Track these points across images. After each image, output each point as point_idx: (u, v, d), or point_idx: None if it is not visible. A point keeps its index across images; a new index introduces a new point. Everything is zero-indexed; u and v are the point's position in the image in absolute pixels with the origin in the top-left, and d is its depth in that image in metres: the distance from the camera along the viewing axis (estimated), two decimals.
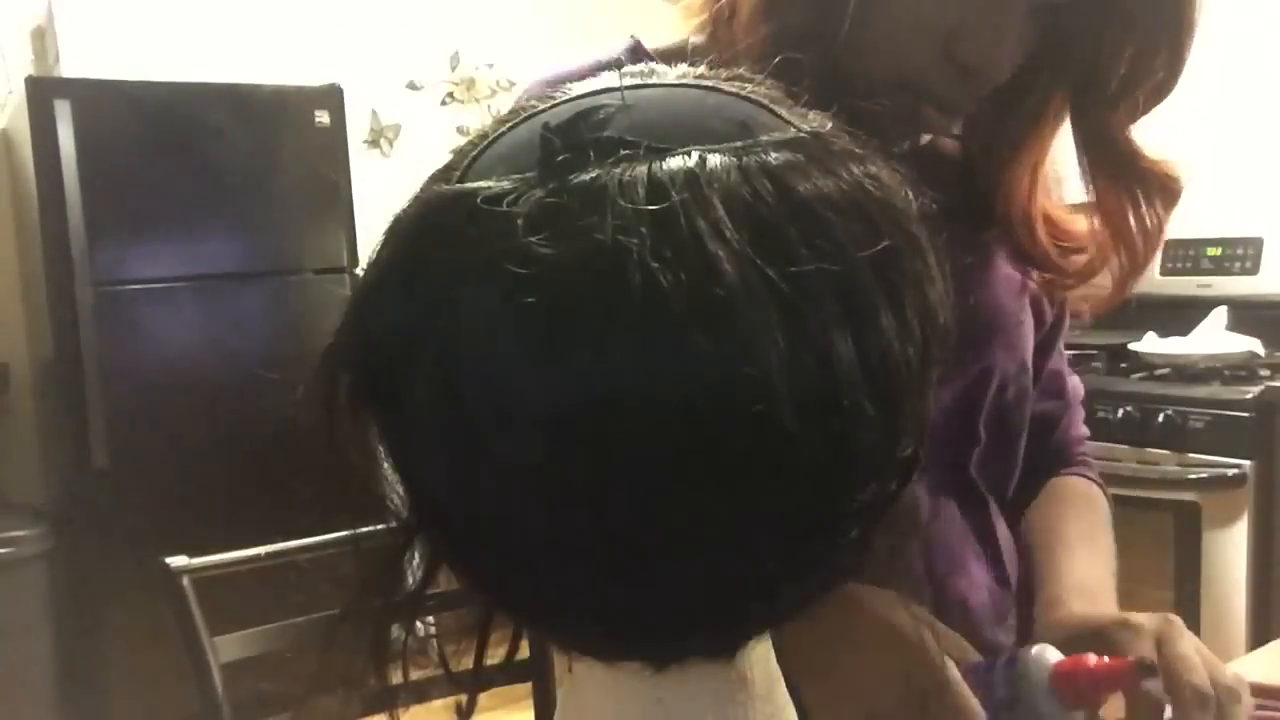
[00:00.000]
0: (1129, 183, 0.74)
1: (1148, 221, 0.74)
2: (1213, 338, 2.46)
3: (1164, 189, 0.74)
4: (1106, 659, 0.60)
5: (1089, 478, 0.90)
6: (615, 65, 0.40)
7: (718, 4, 0.70)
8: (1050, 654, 0.61)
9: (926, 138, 0.82)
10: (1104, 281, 0.81)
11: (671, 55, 0.74)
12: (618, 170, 0.33)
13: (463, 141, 0.40)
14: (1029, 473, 0.87)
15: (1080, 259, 0.81)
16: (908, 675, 0.60)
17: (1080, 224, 0.80)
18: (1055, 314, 0.88)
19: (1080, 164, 0.75)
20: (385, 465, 0.38)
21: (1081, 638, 0.68)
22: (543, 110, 0.38)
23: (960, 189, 0.79)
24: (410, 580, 0.41)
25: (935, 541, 0.79)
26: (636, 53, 0.75)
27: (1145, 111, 0.72)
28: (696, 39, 0.74)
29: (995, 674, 0.62)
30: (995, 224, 0.80)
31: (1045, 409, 0.88)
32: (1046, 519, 0.85)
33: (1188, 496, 2.29)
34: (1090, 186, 0.75)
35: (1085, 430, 0.94)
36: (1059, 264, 0.81)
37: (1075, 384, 0.94)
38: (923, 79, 0.66)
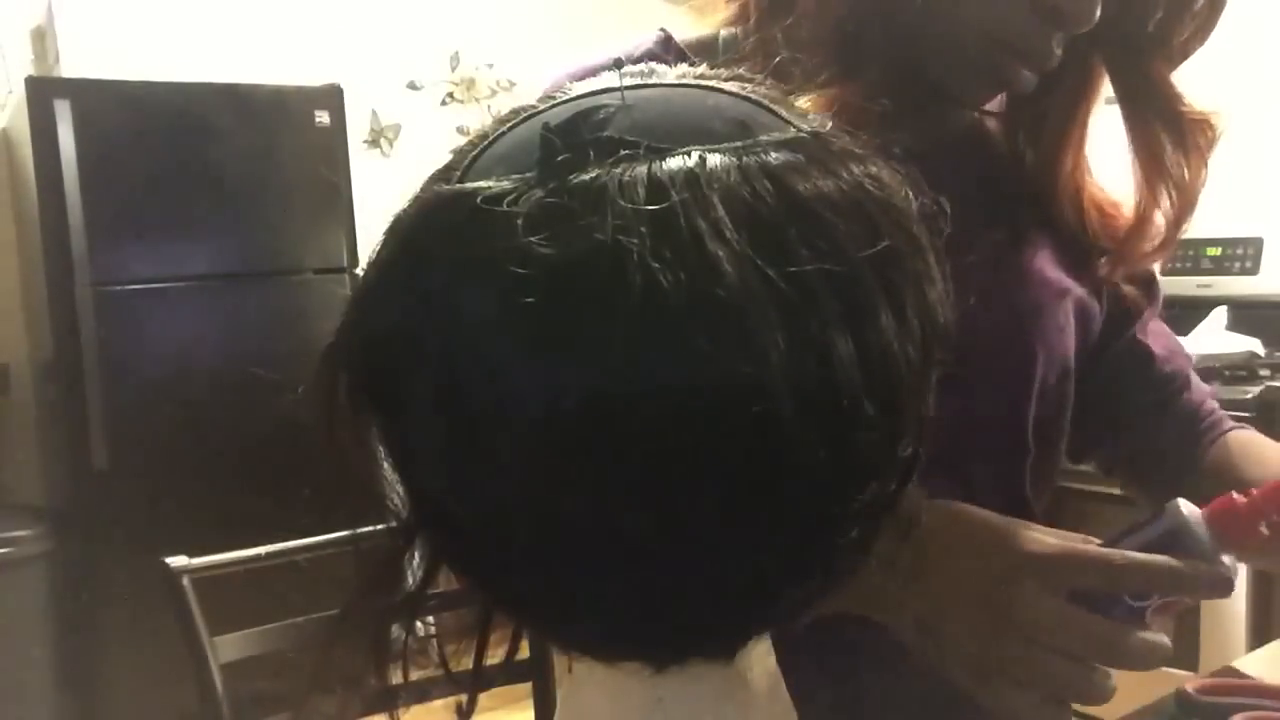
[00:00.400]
0: (1171, 127, 0.73)
1: (1191, 162, 0.74)
2: (1213, 338, 2.46)
3: (1204, 133, 0.74)
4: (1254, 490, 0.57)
5: (1242, 428, 0.87)
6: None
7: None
8: (1188, 505, 0.57)
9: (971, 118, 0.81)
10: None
11: (703, 48, 0.73)
12: (618, 170, 0.33)
13: (463, 141, 0.40)
14: (1177, 440, 0.84)
15: (1132, 235, 0.80)
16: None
17: (1125, 203, 0.80)
18: (1112, 308, 0.85)
19: (1123, 115, 0.75)
20: (385, 465, 0.38)
21: None
22: (543, 110, 0.38)
23: (1008, 170, 0.79)
24: (410, 580, 0.41)
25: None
26: (667, 45, 0.74)
27: (1187, 55, 0.72)
28: (727, 32, 0.73)
29: (1140, 535, 0.57)
30: (1041, 207, 0.79)
31: (1167, 370, 0.85)
32: (1250, 469, 0.80)
33: None
34: (1132, 134, 0.75)
35: (1206, 388, 0.91)
36: (1112, 241, 0.80)
37: (1177, 344, 0.91)
38: (1009, 31, 0.66)
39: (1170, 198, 0.75)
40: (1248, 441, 0.85)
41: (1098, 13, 0.65)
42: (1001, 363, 0.75)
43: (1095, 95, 0.77)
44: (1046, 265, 0.80)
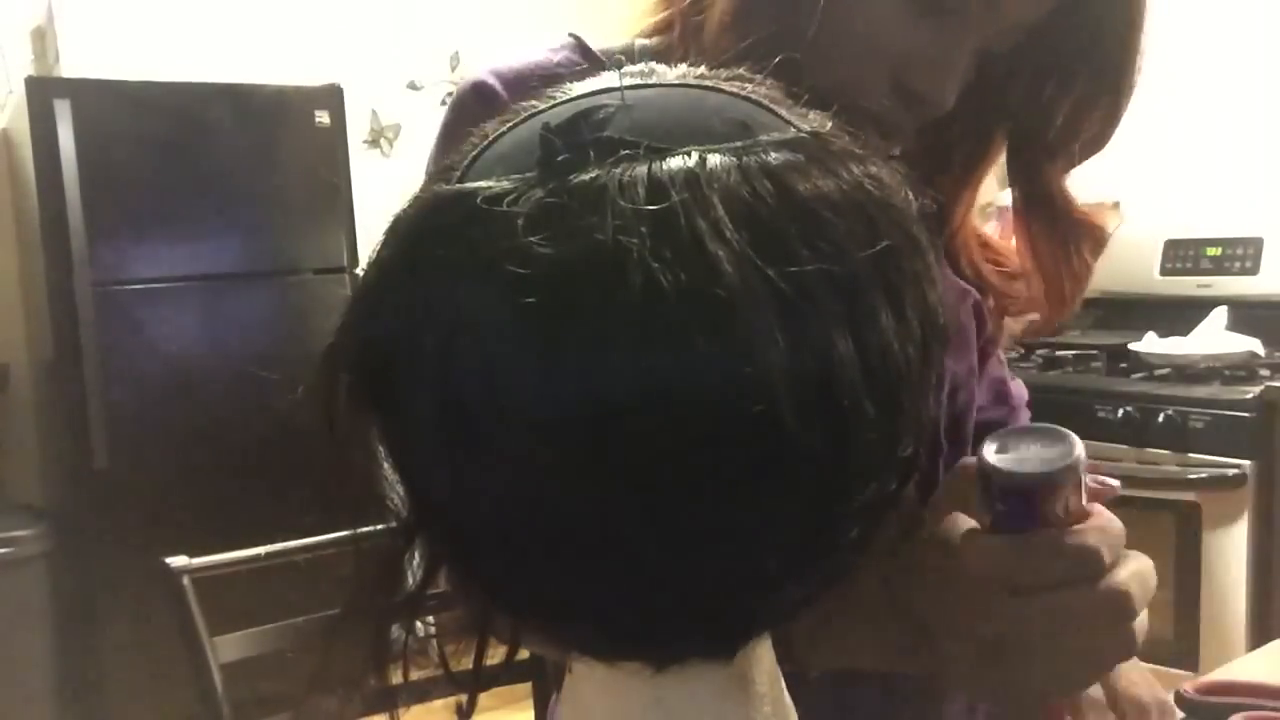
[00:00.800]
0: (1060, 229, 0.75)
1: (1075, 265, 0.76)
2: (1213, 338, 2.46)
3: (1093, 238, 0.76)
4: None
5: None
6: (617, 65, 0.40)
7: (681, 9, 0.70)
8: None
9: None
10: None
11: (617, 53, 0.73)
12: (618, 170, 0.33)
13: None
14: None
15: (1020, 285, 0.82)
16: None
17: (1009, 249, 0.82)
18: (994, 322, 0.88)
19: (1013, 204, 0.77)
20: (385, 465, 0.38)
21: None
22: (543, 110, 0.38)
23: None
24: (410, 580, 0.41)
25: None
26: (582, 53, 0.74)
27: (1079, 162, 0.73)
28: (644, 41, 0.74)
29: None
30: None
31: (992, 416, 0.87)
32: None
33: (1188, 496, 2.29)
34: (1022, 227, 0.77)
35: (1025, 395, 0.93)
36: (1000, 288, 0.82)
37: (1019, 388, 0.93)
38: (868, 101, 0.66)
39: (1048, 298, 0.78)
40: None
41: (952, 100, 0.67)
42: None
43: (992, 158, 0.79)
44: (944, 269, 0.81)
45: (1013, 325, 0.87)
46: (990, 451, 0.51)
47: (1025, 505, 0.50)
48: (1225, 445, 2.26)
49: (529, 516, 0.34)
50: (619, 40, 0.75)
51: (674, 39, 0.71)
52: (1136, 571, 0.52)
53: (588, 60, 0.73)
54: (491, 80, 0.71)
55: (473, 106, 0.70)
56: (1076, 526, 0.51)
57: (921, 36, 0.64)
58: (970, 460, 0.57)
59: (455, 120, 0.72)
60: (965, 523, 0.55)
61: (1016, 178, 0.76)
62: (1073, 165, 0.73)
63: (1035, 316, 0.80)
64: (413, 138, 3.49)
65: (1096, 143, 0.72)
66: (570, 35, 0.75)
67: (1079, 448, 0.51)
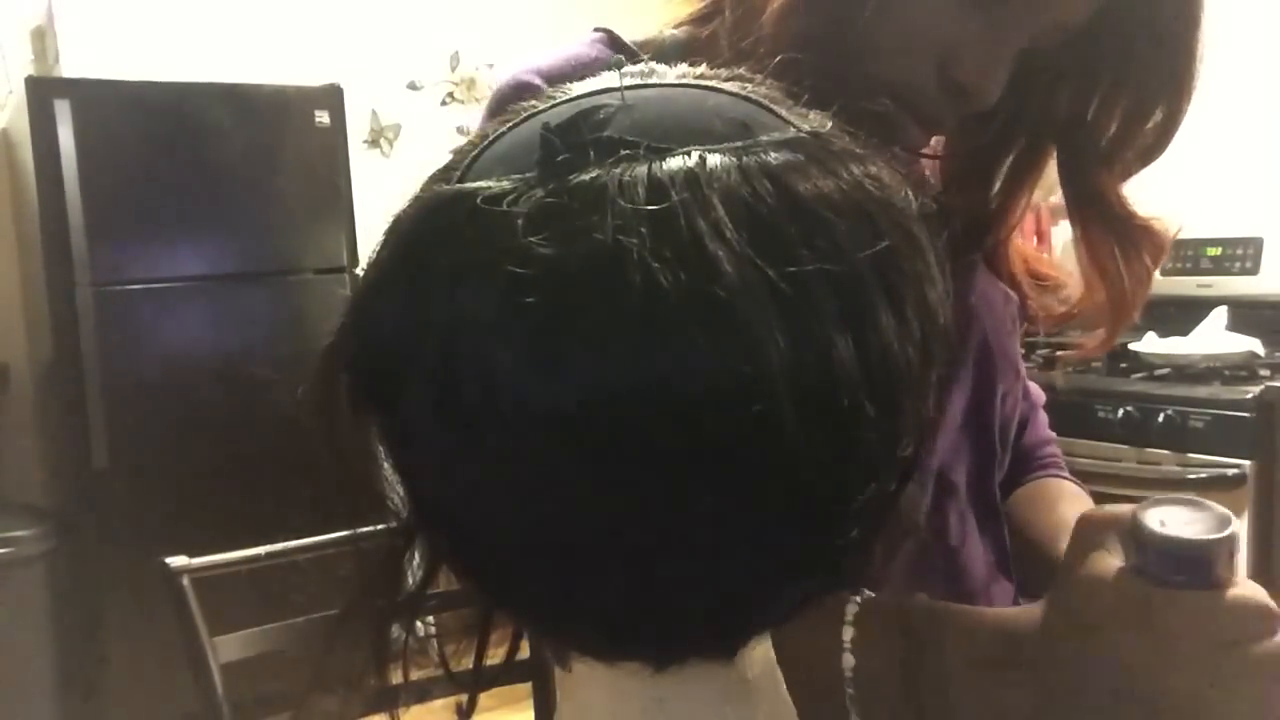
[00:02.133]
0: (1118, 235, 0.73)
1: (1136, 271, 0.73)
2: (1213, 338, 2.46)
3: (1152, 244, 0.74)
4: None
5: (1065, 478, 0.89)
6: (617, 65, 0.40)
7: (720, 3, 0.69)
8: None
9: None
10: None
11: (649, 49, 0.73)
12: (618, 170, 0.33)
13: (463, 141, 0.40)
14: (1004, 482, 0.85)
15: (1056, 298, 0.81)
16: None
17: (1054, 265, 0.81)
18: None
19: (1068, 209, 0.74)
20: (385, 465, 0.38)
21: None
22: (543, 110, 0.38)
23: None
24: (410, 580, 0.41)
25: (963, 568, 0.78)
26: (613, 44, 0.74)
27: (1135, 172, 0.71)
28: (674, 33, 0.73)
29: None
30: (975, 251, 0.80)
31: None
32: (1039, 515, 0.83)
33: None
34: (1078, 234, 0.74)
35: (1050, 433, 0.93)
36: (1036, 301, 0.82)
37: (1035, 387, 0.94)
38: (911, 91, 0.66)
39: (1110, 306, 0.75)
40: (1046, 488, 0.87)
41: (997, 95, 0.66)
42: (967, 366, 0.77)
43: (1039, 170, 0.77)
44: (987, 276, 0.81)
45: (1073, 352, 0.86)
46: (1152, 523, 0.54)
47: (1204, 571, 0.53)
48: (1225, 445, 2.26)
49: (529, 516, 0.34)
50: (644, 32, 0.74)
51: (711, 30, 0.70)
52: None
53: (622, 53, 0.72)
54: (535, 79, 0.70)
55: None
56: (1248, 585, 0.53)
57: (970, 29, 0.64)
58: (1095, 513, 0.58)
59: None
60: (1141, 587, 0.54)
61: (1068, 183, 0.74)
62: (1128, 175, 0.71)
63: (1100, 332, 0.78)
64: (413, 138, 3.49)
65: (1152, 152, 0.70)
66: (599, 30, 0.75)
67: (1229, 513, 0.54)
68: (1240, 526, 0.58)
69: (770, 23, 0.65)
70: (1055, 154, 0.75)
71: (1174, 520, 0.55)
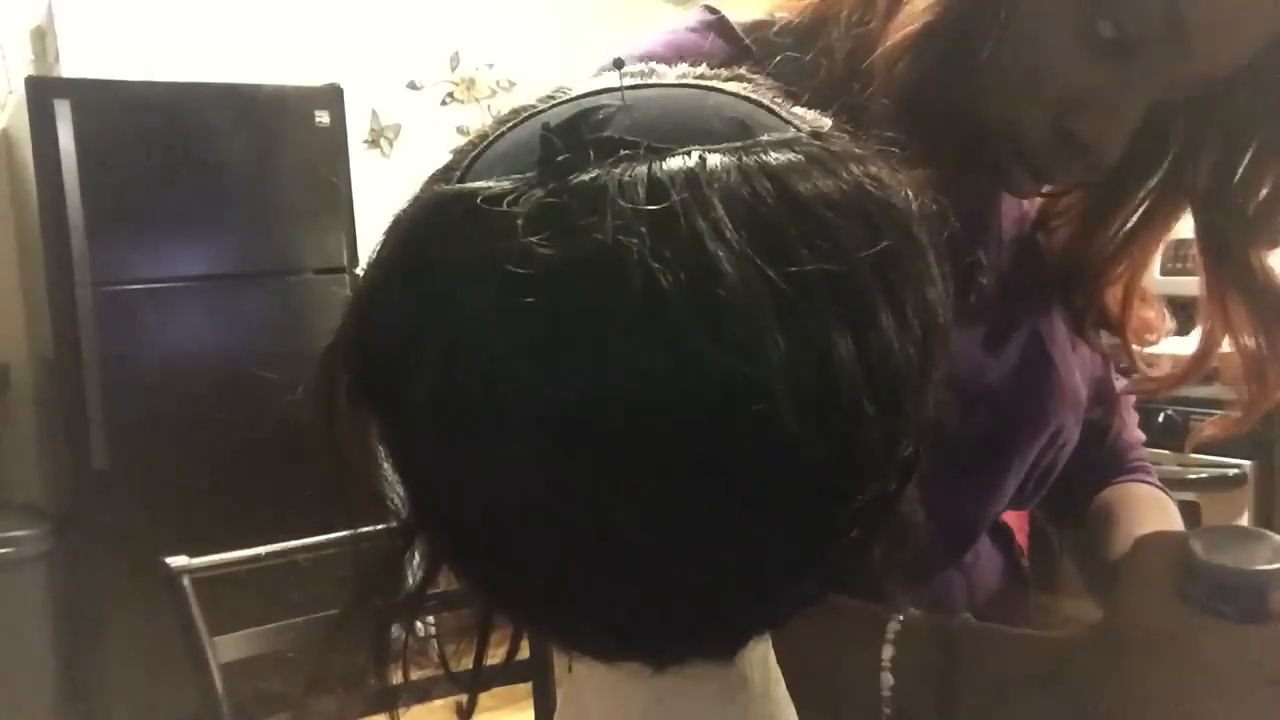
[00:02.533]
0: (1260, 309, 0.66)
1: (1272, 340, 0.66)
2: None
3: None
4: None
5: (1151, 483, 0.86)
6: (617, 65, 0.40)
7: (841, 12, 0.64)
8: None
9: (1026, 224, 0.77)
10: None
11: (759, 28, 0.67)
12: (617, 170, 0.33)
13: (463, 141, 0.40)
14: (1083, 482, 0.82)
15: (1155, 369, 0.77)
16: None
17: (1155, 325, 0.77)
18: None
19: (1206, 279, 0.69)
20: (385, 465, 0.38)
21: None
22: (543, 110, 0.38)
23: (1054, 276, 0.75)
24: (410, 580, 0.41)
25: (978, 583, 0.78)
26: (719, 27, 0.68)
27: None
28: (783, 15, 0.67)
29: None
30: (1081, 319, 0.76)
31: (1092, 417, 0.83)
32: (1117, 523, 0.79)
33: (1188, 496, 2.28)
34: (1213, 307, 0.69)
35: (1140, 435, 0.89)
36: (1137, 368, 0.77)
37: (1122, 384, 0.88)
38: (1024, 141, 0.62)
39: (1248, 388, 0.69)
40: (1134, 493, 0.84)
41: (1118, 153, 0.60)
42: (1033, 419, 0.74)
43: (1166, 230, 0.72)
44: (1059, 319, 0.78)
45: (1207, 431, 0.80)
46: (1203, 551, 0.53)
47: (1259, 601, 0.52)
48: (1225, 445, 2.25)
49: (529, 516, 0.34)
50: (751, 13, 0.69)
51: (823, 32, 0.64)
52: None
53: (729, 40, 0.67)
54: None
55: None
56: None
57: (1094, 79, 0.58)
58: (1153, 536, 0.57)
59: None
60: (1188, 615, 0.54)
61: (1206, 251, 0.68)
62: (1277, 244, 0.65)
63: (1233, 413, 0.73)
64: (413, 138, 3.49)
65: None
66: (709, 9, 0.69)
67: None
68: None
69: (882, 64, 0.60)
70: (1193, 217, 0.68)
71: (1228, 548, 0.54)
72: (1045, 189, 0.71)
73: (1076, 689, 0.56)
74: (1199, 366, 0.73)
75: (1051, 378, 0.74)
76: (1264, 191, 0.63)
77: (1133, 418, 0.89)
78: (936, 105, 0.57)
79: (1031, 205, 0.78)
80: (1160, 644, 0.54)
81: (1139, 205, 0.71)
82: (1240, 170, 0.63)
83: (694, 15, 0.69)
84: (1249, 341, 0.67)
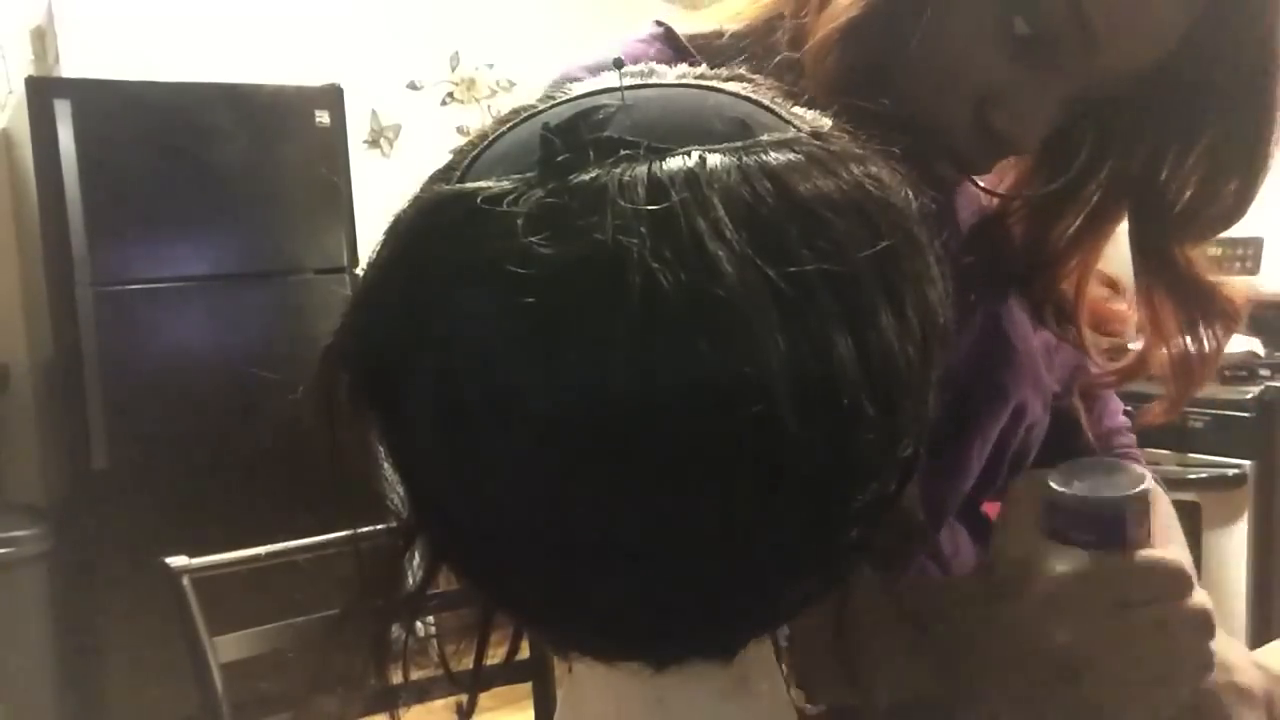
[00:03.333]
0: (1187, 302, 0.68)
1: (1204, 342, 0.68)
2: None
3: (1225, 315, 0.68)
4: None
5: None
6: (617, 65, 0.40)
7: (790, 9, 0.67)
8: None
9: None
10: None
11: (707, 40, 0.69)
12: (618, 170, 0.33)
13: (463, 141, 0.40)
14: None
15: (1123, 360, 0.77)
16: None
17: (1125, 318, 0.77)
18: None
19: (1135, 275, 0.70)
20: (385, 465, 0.38)
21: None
22: (542, 110, 0.38)
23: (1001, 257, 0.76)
24: (410, 580, 0.41)
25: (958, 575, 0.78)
26: (669, 40, 0.71)
27: (1207, 239, 0.67)
28: (733, 26, 0.70)
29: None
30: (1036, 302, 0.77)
31: (1067, 404, 0.84)
32: None
33: (1188, 496, 2.29)
34: (1144, 295, 0.70)
35: (1125, 419, 0.89)
36: (1101, 360, 0.78)
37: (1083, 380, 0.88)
38: (948, 131, 0.64)
39: (1173, 379, 0.71)
40: None
41: (1036, 142, 0.63)
42: (992, 396, 0.75)
43: (1113, 224, 0.73)
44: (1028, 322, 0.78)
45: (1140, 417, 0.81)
46: (1060, 483, 0.53)
47: (1115, 529, 0.52)
48: (1225, 445, 2.26)
49: (529, 516, 0.34)
50: (706, 26, 0.71)
51: (774, 39, 0.67)
52: (1205, 594, 0.53)
53: (676, 50, 0.70)
54: (585, 76, 0.70)
55: None
56: (1160, 548, 0.52)
57: (1010, 74, 0.60)
58: (1024, 477, 0.57)
59: None
60: (1044, 546, 0.55)
61: (1135, 244, 0.69)
62: (1202, 240, 0.67)
63: (1157, 404, 0.74)
64: (413, 138, 3.49)
65: (1230, 218, 0.65)
66: (657, 24, 0.72)
67: (1147, 472, 0.53)
68: (1152, 485, 0.57)
69: (811, 58, 0.62)
70: (1128, 214, 0.70)
71: (1086, 478, 0.54)
72: (986, 186, 0.74)
73: (949, 627, 0.57)
74: (1143, 362, 0.74)
75: (1010, 358, 0.76)
76: (1190, 190, 0.64)
77: (1117, 405, 0.90)
78: (864, 98, 0.59)
79: (990, 202, 0.79)
80: (1019, 577, 0.55)
81: (1086, 201, 0.72)
82: (1166, 167, 0.65)
83: (645, 28, 0.72)
84: (1173, 334, 0.69)
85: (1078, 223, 0.73)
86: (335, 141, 2.90)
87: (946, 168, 0.67)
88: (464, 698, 0.46)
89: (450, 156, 0.39)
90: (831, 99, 0.54)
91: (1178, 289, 0.68)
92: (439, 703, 0.82)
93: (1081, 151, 0.67)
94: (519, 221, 0.32)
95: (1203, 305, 0.68)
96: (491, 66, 3.61)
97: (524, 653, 0.46)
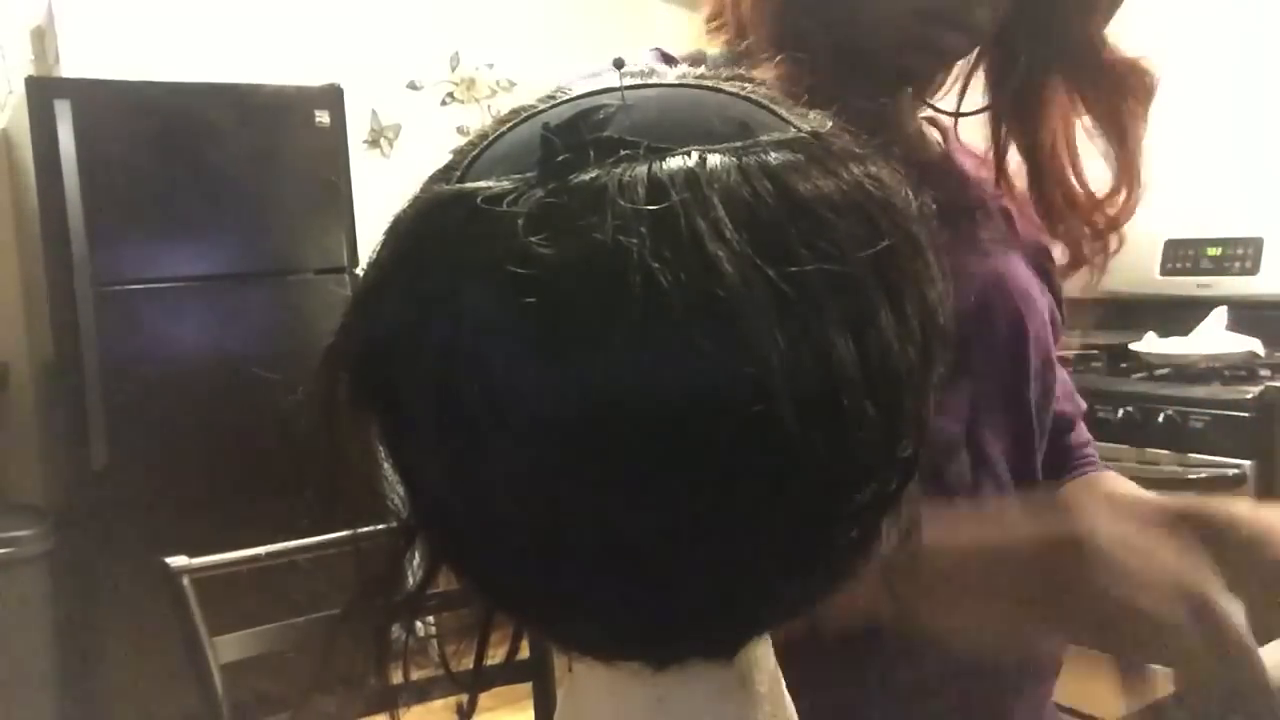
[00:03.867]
0: (1106, 83, 0.76)
1: (1129, 116, 0.77)
2: (1213, 338, 2.46)
3: (1141, 85, 0.77)
4: None
5: (1111, 471, 0.90)
6: (617, 64, 0.40)
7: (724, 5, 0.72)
8: None
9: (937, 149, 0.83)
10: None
11: (695, 59, 0.75)
12: (618, 170, 0.33)
13: (463, 141, 0.40)
14: (1047, 475, 0.86)
15: (1092, 245, 0.83)
16: None
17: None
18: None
19: (1065, 85, 0.77)
20: (385, 465, 0.38)
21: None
22: (543, 110, 0.38)
23: (973, 193, 0.82)
24: (410, 580, 0.41)
25: None
26: (665, 61, 0.75)
27: (1112, 12, 0.74)
28: (713, 51, 0.75)
29: None
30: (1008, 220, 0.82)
31: (1065, 409, 0.89)
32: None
33: (1188, 496, 2.28)
34: (1075, 98, 0.78)
35: (1089, 436, 0.95)
36: (1075, 243, 0.83)
37: (1078, 398, 0.95)
38: (891, 37, 0.68)
39: (1121, 159, 0.78)
40: (1098, 480, 0.90)
41: (984, 20, 0.68)
42: (1003, 346, 0.78)
43: (1052, 95, 0.79)
44: (1022, 260, 0.83)
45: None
46: None
47: None
48: (1225, 445, 2.25)
49: (529, 516, 0.34)
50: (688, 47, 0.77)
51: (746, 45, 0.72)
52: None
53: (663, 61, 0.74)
54: None
55: None
56: None
57: None
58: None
59: None
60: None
61: (1058, 43, 0.76)
62: (1101, 20, 0.74)
63: (1111, 212, 0.80)
64: (413, 138, 3.49)
65: None
66: (654, 50, 0.77)
67: None
68: None
69: (754, 26, 0.68)
70: (1049, 34, 0.76)
71: None
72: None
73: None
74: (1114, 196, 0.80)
75: (1021, 322, 0.79)
76: None
77: (1082, 426, 0.95)
78: (806, 26, 0.65)
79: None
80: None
81: (1031, 74, 0.78)
82: None
83: (643, 54, 0.77)
84: (1110, 119, 0.77)
85: (1033, 100, 0.78)
86: (335, 141, 2.90)
87: (891, 80, 0.73)
88: (464, 698, 0.46)
89: (450, 156, 0.39)
90: (773, 38, 0.58)
91: (1097, 71, 0.76)
92: (439, 703, 0.82)
93: (1021, 57, 0.74)
94: (519, 221, 0.32)
95: (1120, 81, 0.76)
96: (491, 66, 3.61)
97: (524, 653, 0.46)
